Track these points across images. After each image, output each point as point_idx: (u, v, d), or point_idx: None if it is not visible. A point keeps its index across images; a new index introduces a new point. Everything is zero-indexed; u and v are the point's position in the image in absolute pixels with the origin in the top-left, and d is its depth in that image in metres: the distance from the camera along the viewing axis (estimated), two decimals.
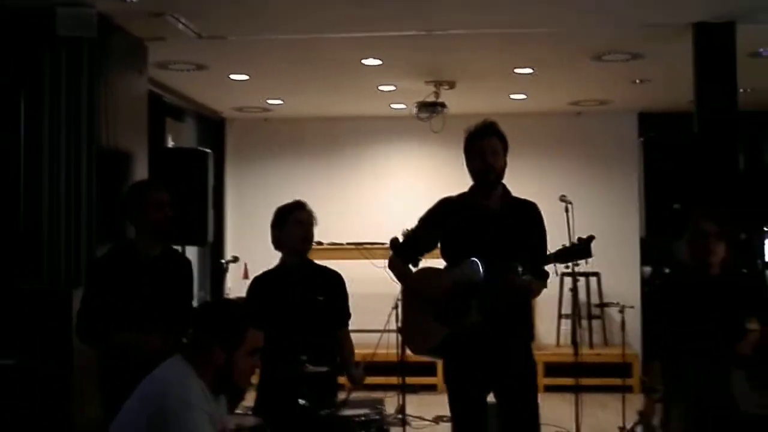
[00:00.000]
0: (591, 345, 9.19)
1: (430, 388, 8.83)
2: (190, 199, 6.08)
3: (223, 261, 7.19)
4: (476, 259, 4.04)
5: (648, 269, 9.20)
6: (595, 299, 9.27)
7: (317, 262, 4.68)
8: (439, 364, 8.66)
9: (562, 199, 5.67)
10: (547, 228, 4.30)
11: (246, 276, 7.56)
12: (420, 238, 4.40)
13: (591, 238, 3.99)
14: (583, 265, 4.25)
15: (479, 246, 4.13)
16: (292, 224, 4.51)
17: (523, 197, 4.36)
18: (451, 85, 7.98)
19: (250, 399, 4.41)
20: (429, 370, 8.72)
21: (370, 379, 4.57)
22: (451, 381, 4.31)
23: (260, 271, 4.68)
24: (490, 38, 6.49)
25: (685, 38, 6.11)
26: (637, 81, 8.02)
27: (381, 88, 8.32)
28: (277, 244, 4.57)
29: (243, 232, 9.89)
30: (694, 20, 5.99)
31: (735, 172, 6.05)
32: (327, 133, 10.09)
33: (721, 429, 4.05)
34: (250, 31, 6.29)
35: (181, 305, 4.33)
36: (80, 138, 5.35)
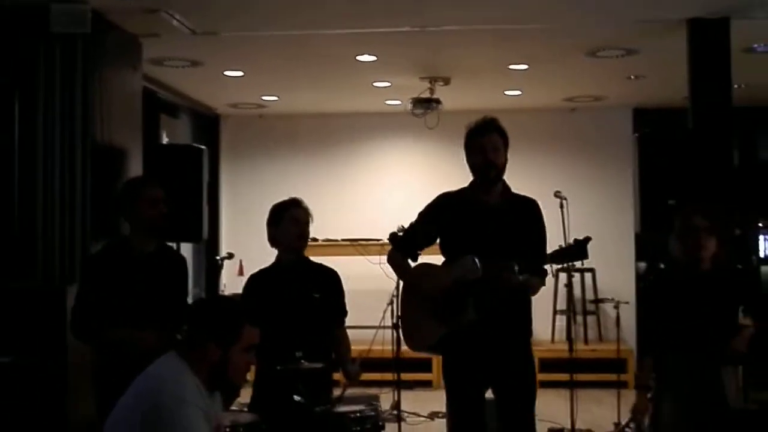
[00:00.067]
0: (586, 341, 9.21)
1: (426, 385, 8.85)
2: (185, 195, 6.07)
3: (218, 258, 7.16)
4: (474, 256, 4.03)
5: (643, 265, 9.21)
6: (590, 295, 9.27)
7: (312, 258, 4.69)
8: (435, 361, 8.77)
9: (557, 195, 5.67)
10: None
11: (241, 273, 7.56)
12: (419, 233, 4.40)
13: (587, 239, 3.99)
14: (578, 261, 4.25)
15: (478, 242, 4.13)
16: (288, 222, 4.51)
17: (523, 194, 4.36)
18: (446, 81, 7.97)
19: (246, 396, 4.42)
20: (424, 366, 8.74)
21: (366, 376, 4.58)
22: (450, 377, 4.31)
23: (256, 268, 4.68)
24: (484, 34, 6.49)
25: (680, 34, 6.11)
26: (632, 77, 8.02)
27: (376, 84, 8.31)
28: (273, 241, 4.57)
29: (238, 228, 9.89)
30: (688, 16, 5.98)
31: (729, 168, 6.05)
32: (322, 130, 10.08)
33: (711, 425, 4.05)
34: (245, 28, 6.28)
35: (175, 302, 4.32)
36: (74, 134, 5.33)
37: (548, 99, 9.10)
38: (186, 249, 7.37)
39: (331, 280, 4.63)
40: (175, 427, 2.72)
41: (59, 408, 5.04)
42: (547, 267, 4.20)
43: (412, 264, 4.44)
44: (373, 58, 7.20)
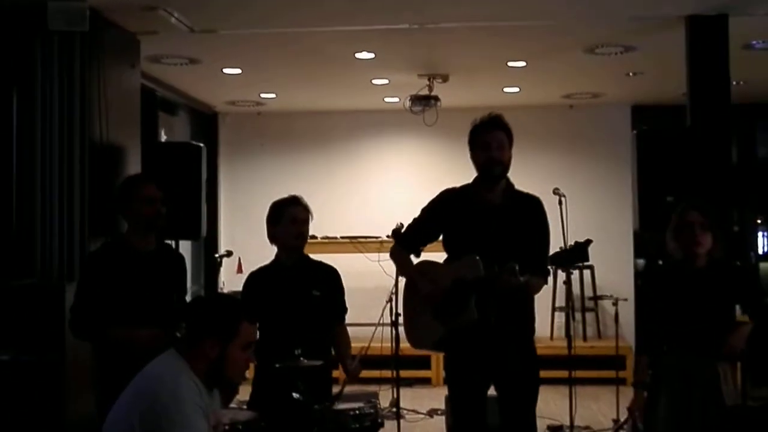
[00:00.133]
0: (585, 338, 9.21)
1: (425, 382, 8.85)
2: (183, 193, 6.08)
3: (216, 255, 7.18)
4: (476, 256, 4.02)
5: (642, 262, 9.22)
6: (588, 292, 9.27)
7: (312, 256, 4.68)
8: (434, 358, 8.77)
9: (556, 192, 5.66)
10: None
11: (240, 270, 7.56)
12: (422, 229, 4.39)
13: (588, 242, 3.99)
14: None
15: (481, 239, 4.11)
16: (287, 220, 4.50)
17: (526, 191, 4.35)
18: (445, 78, 7.97)
19: (245, 393, 4.42)
20: (423, 363, 8.74)
21: (365, 373, 4.57)
22: (452, 374, 4.30)
23: (254, 266, 4.68)
24: (482, 31, 6.49)
25: (678, 31, 6.11)
26: (630, 74, 8.02)
27: (374, 81, 8.31)
28: (273, 239, 4.57)
29: (236, 226, 9.88)
30: (686, 13, 5.98)
31: (728, 165, 6.06)
32: (320, 127, 10.07)
33: (706, 422, 4.05)
34: (243, 25, 6.27)
35: (174, 300, 4.32)
36: (73, 132, 5.33)
37: (547, 96, 9.10)
38: (184, 247, 7.38)
39: (330, 277, 4.63)
40: (174, 426, 2.72)
41: (57, 405, 5.05)
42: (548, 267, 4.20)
43: (415, 260, 4.43)
44: (372, 55, 7.20)
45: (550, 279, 8.47)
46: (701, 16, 5.95)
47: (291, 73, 7.94)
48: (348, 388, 4.31)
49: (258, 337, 3.82)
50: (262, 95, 9.08)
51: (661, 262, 4.42)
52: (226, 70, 7.78)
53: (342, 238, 9.01)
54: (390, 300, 6.80)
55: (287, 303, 4.42)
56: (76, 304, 4.20)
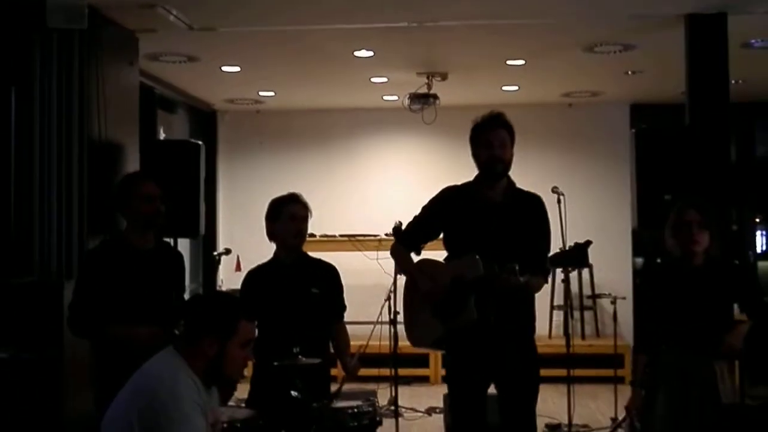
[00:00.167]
0: (583, 336, 9.21)
1: (423, 380, 8.86)
2: (182, 191, 6.07)
3: (215, 253, 7.16)
4: (476, 255, 4.02)
5: (640, 260, 9.22)
6: (587, 290, 9.28)
7: (310, 254, 4.68)
8: (433, 356, 8.77)
9: (554, 190, 5.67)
10: None
11: (238, 268, 7.55)
12: (422, 227, 4.38)
13: (587, 243, 3.99)
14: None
15: (481, 238, 4.11)
16: (285, 218, 4.50)
17: (527, 189, 4.34)
18: (444, 76, 7.97)
19: (244, 391, 4.42)
20: (422, 361, 8.75)
21: (363, 371, 4.58)
22: (452, 373, 4.30)
23: (253, 264, 4.68)
24: (481, 30, 6.48)
25: (677, 29, 6.10)
26: (629, 72, 8.02)
27: (373, 79, 8.30)
28: (271, 236, 4.57)
29: (235, 224, 9.88)
30: (685, 11, 5.98)
31: (727, 164, 6.06)
32: (319, 125, 10.06)
33: (702, 420, 4.05)
34: (242, 23, 6.27)
35: (173, 298, 4.32)
36: (71, 130, 5.33)
37: (545, 94, 9.10)
38: (183, 245, 7.38)
39: (329, 275, 4.63)
40: (172, 423, 2.72)
41: (56, 403, 5.05)
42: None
43: (416, 258, 4.42)
44: (371, 53, 7.20)
45: (549, 277, 8.51)
46: (700, 14, 5.95)
47: (290, 71, 7.93)
48: (346, 386, 4.31)
49: (256, 335, 3.82)
50: (261, 93, 9.08)
51: (659, 261, 4.41)
52: (225, 68, 7.77)
53: (341, 236, 9.02)
54: (389, 298, 6.82)
55: (286, 301, 4.42)
56: (75, 301, 4.20)
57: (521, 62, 7.59)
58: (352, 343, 4.70)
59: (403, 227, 4.51)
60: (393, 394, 6.70)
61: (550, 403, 7.16)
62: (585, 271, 9.22)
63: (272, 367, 4.01)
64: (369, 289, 7.54)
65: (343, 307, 4.66)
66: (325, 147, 10.09)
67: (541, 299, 4.34)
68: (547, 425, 6.82)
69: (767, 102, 9.22)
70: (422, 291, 4.24)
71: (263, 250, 4.68)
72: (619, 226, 8.89)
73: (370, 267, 8.16)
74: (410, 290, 4.39)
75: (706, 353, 4.05)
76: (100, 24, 5.57)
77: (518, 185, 4.34)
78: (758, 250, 9.48)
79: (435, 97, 8.07)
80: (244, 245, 7.73)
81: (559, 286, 7.92)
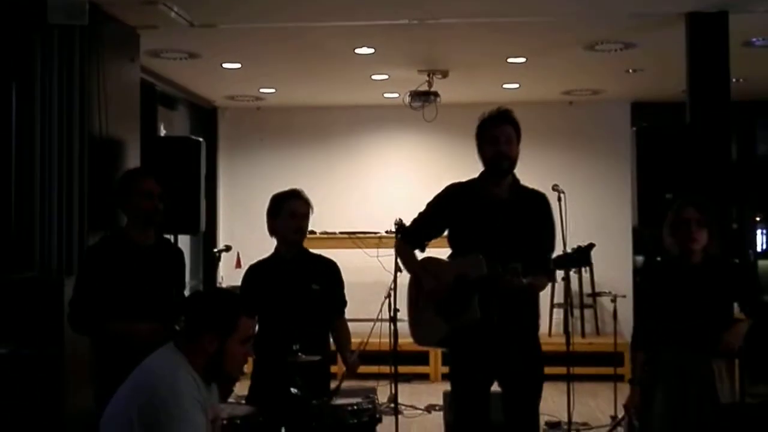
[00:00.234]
0: (583, 334, 9.21)
1: (423, 377, 8.87)
2: (182, 188, 6.06)
3: (215, 250, 7.16)
4: (480, 254, 4.00)
5: (640, 259, 9.22)
6: (587, 289, 9.27)
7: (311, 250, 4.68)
8: (433, 354, 8.77)
9: (555, 188, 5.67)
10: None
11: (239, 265, 7.55)
12: (427, 224, 4.37)
13: (591, 246, 3.97)
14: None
15: (486, 235, 4.09)
16: (286, 214, 4.50)
17: (532, 187, 4.33)
18: (444, 74, 7.96)
19: (244, 388, 4.42)
20: (421, 359, 8.75)
21: (363, 368, 4.57)
22: (455, 371, 4.29)
23: (253, 261, 4.67)
24: (482, 27, 6.48)
25: (678, 28, 6.10)
26: (630, 71, 8.02)
27: (374, 77, 8.30)
28: (272, 232, 4.57)
29: (235, 221, 9.88)
30: (686, 10, 5.98)
31: (727, 162, 6.06)
32: (320, 122, 10.06)
33: (699, 419, 4.05)
34: (243, 20, 6.27)
35: (173, 294, 4.32)
36: (72, 126, 5.33)
37: (546, 92, 9.09)
38: (183, 241, 7.38)
39: (330, 270, 4.63)
40: (172, 420, 2.73)
41: (56, 399, 5.05)
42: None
43: (420, 255, 4.40)
44: (371, 50, 7.19)
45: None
46: (701, 13, 5.95)
47: (291, 68, 7.93)
48: (346, 384, 4.31)
49: (257, 330, 3.82)
50: (262, 90, 9.08)
51: (659, 259, 4.41)
52: (226, 65, 7.77)
53: (341, 233, 9.01)
54: (389, 296, 6.82)
55: (286, 297, 4.42)
56: (75, 297, 4.20)
57: (522, 60, 7.59)
58: (352, 340, 4.70)
59: (407, 224, 4.50)
60: (393, 391, 6.70)
61: (550, 401, 7.15)
62: (585, 269, 9.20)
63: (272, 364, 4.01)
64: (369, 286, 7.54)
65: (344, 303, 4.66)
66: (325, 144, 10.09)
67: (541, 297, 4.34)
68: (546, 423, 6.82)
69: None
70: (426, 289, 4.23)
71: (263, 247, 4.68)
72: (619, 225, 8.90)
73: (371, 264, 8.17)
74: (414, 288, 4.38)
75: (704, 351, 4.05)
76: (101, 20, 5.56)
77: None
78: (759, 248, 9.48)
79: (436, 94, 8.07)
80: (244, 242, 7.73)
81: (560, 284, 7.91)
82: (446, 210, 4.30)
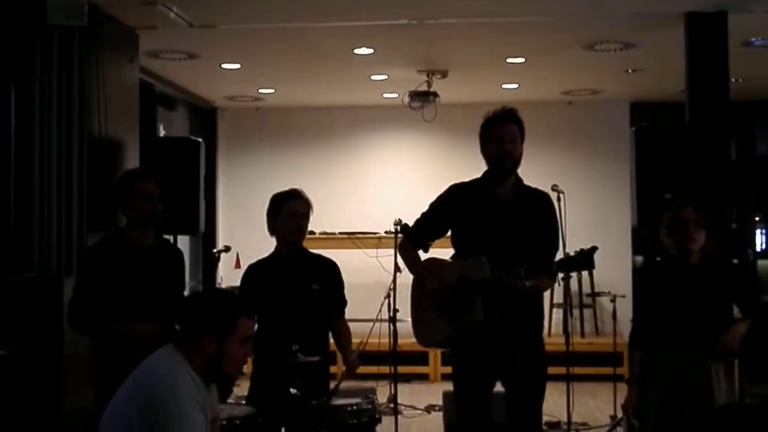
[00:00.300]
0: (582, 334, 9.22)
1: (422, 378, 8.87)
2: (182, 188, 6.06)
3: (215, 251, 7.16)
4: (483, 256, 4.00)
5: (640, 259, 9.22)
6: (586, 289, 9.27)
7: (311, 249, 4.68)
8: (432, 354, 8.77)
9: (554, 188, 5.64)
10: None
11: (238, 266, 7.56)
12: (430, 225, 4.35)
13: (594, 249, 3.96)
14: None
15: (489, 235, 4.08)
16: (286, 214, 4.50)
17: (535, 186, 4.31)
18: (444, 74, 7.97)
19: (244, 388, 4.42)
20: (421, 359, 8.75)
21: (362, 369, 4.57)
22: (458, 373, 4.28)
23: (253, 261, 4.67)
24: (482, 27, 6.48)
25: (677, 28, 6.10)
26: (629, 70, 8.02)
27: (373, 77, 8.30)
28: (272, 231, 4.57)
29: (235, 221, 9.88)
30: (686, 10, 5.98)
31: (727, 162, 6.06)
32: (319, 123, 10.06)
33: (695, 420, 4.04)
34: (242, 20, 6.27)
35: (173, 295, 4.32)
36: (71, 127, 5.32)
37: (546, 92, 9.10)
38: (183, 242, 7.38)
39: (330, 270, 4.62)
40: (172, 420, 2.72)
41: (56, 399, 5.05)
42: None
43: (423, 255, 4.39)
44: (371, 51, 7.19)
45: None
46: (700, 13, 5.95)
47: (290, 68, 7.93)
48: (346, 384, 4.31)
49: (256, 330, 3.82)
50: (261, 90, 9.08)
51: (659, 259, 4.41)
52: (225, 66, 7.77)
53: (340, 233, 9.01)
54: (388, 296, 6.82)
55: (286, 297, 4.42)
56: (75, 297, 4.20)
57: (521, 60, 7.59)
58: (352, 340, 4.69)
59: (410, 225, 4.48)
60: (392, 391, 6.70)
61: (549, 401, 7.07)
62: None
63: (272, 364, 4.00)
64: (368, 286, 7.54)
65: (344, 303, 4.66)
66: (324, 144, 10.09)
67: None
68: (546, 423, 6.80)
69: (767, 101, 9.22)
70: (429, 290, 4.22)
71: (263, 247, 4.68)
72: (618, 225, 8.90)
73: (370, 265, 8.17)
74: (418, 289, 4.36)
75: (702, 351, 4.04)
76: (100, 21, 5.56)
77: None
78: (758, 248, 9.48)
79: (435, 94, 8.07)
80: (243, 242, 7.72)
81: (559, 285, 7.92)
82: (449, 210, 4.28)
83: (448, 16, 6.13)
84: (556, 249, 4.25)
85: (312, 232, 5.64)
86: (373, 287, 7.57)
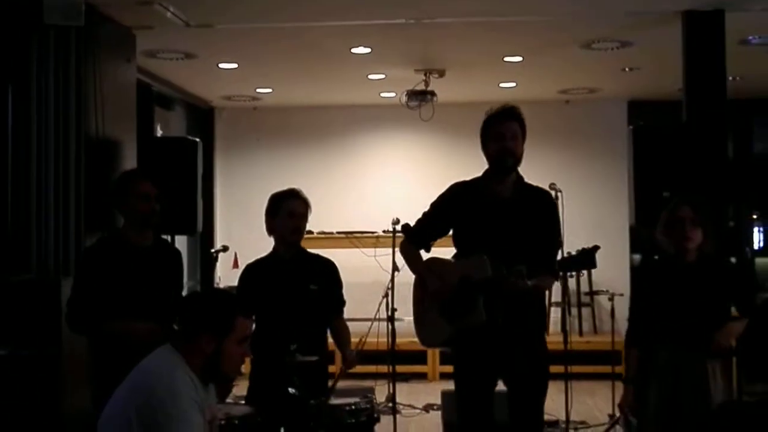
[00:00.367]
0: (581, 333, 9.22)
1: (421, 377, 8.86)
2: (179, 188, 6.06)
3: (212, 250, 7.16)
4: (485, 256, 4.00)
5: (638, 257, 9.22)
6: (584, 287, 9.28)
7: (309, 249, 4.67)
8: (431, 353, 8.77)
9: (552, 187, 5.63)
10: None
11: (236, 265, 7.56)
12: (431, 224, 4.34)
13: (596, 248, 3.96)
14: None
15: (491, 234, 4.07)
16: (284, 214, 4.49)
17: (536, 184, 4.31)
18: (441, 73, 7.97)
19: (243, 388, 4.42)
20: (419, 358, 8.75)
21: (361, 368, 4.57)
22: (459, 372, 4.28)
23: (251, 260, 4.67)
24: (479, 26, 6.49)
25: (674, 26, 6.11)
26: (626, 69, 8.02)
27: (370, 76, 8.30)
28: (270, 231, 4.56)
29: (232, 221, 9.88)
30: (683, 8, 5.99)
31: (724, 160, 6.06)
32: (316, 122, 10.07)
33: (691, 418, 4.04)
34: (239, 20, 6.27)
35: (171, 295, 4.31)
36: (68, 127, 5.32)
37: (543, 91, 9.10)
38: (181, 242, 7.37)
39: (328, 270, 4.62)
40: (170, 420, 2.72)
41: (54, 399, 5.04)
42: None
43: (425, 255, 4.38)
44: (368, 50, 7.20)
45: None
46: (697, 11, 5.96)
47: (287, 68, 7.93)
48: (344, 383, 4.30)
49: (254, 330, 3.82)
50: (258, 90, 9.08)
51: (657, 257, 4.41)
52: (222, 65, 7.77)
53: (338, 233, 9.01)
54: (386, 295, 6.82)
55: (284, 297, 4.42)
56: (73, 297, 4.20)
57: (518, 59, 7.59)
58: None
59: (410, 225, 4.47)
60: (391, 390, 6.70)
61: (547, 399, 7.03)
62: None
63: (270, 364, 4.00)
64: (367, 286, 7.53)
65: (343, 303, 4.65)
66: (322, 144, 10.09)
67: None
68: (545, 422, 6.81)
69: (764, 99, 9.23)
70: (431, 290, 4.21)
71: (261, 247, 4.68)
72: (616, 223, 8.90)
73: (368, 264, 8.16)
74: (420, 289, 4.35)
75: (698, 350, 4.04)
76: (97, 21, 5.56)
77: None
78: (755, 246, 9.50)
79: (432, 94, 8.07)
80: (241, 242, 7.72)
81: (557, 283, 7.93)
82: (450, 210, 4.28)
83: (445, 15, 6.13)
84: (558, 247, 4.25)
85: (310, 232, 5.64)
86: (371, 286, 7.56)
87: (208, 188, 9.16)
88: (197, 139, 6.63)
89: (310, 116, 10.00)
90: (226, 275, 8.27)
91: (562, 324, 6.41)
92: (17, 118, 5.27)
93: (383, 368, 6.99)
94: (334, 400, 4.07)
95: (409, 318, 4.43)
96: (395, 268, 5.97)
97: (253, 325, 3.34)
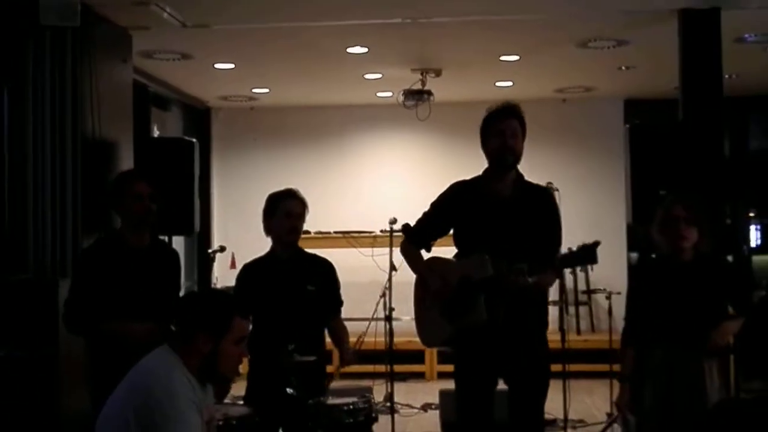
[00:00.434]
0: (578, 331, 9.23)
1: (419, 376, 8.87)
2: (176, 188, 6.05)
3: (210, 251, 7.16)
4: (486, 254, 4.00)
5: (635, 256, 9.23)
6: (582, 286, 9.29)
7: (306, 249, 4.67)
8: (428, 353, 8.77)
9: (549, 186, 5.67)
10: None
11: (233, 266, 7.55)
12: (431, 224, 4.34)
13: (596, 243, 3.96)
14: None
15: (491, 232, 4.07)
16: (281, 214, 4.49)
17: (536, 182, 4.31)
18: (438, 73, 7.97)
19: (241, 388, 4.42)
20: (417, 358, 8.75)
21: (359, 367, 4.57)
22: (460, 371, 4.27)
23: (248, 260, 4.67)
24: (475, 26, 6.49)
25: (671, 24, 6.11)
26: (623, 68, 8.03)
27: (367, 76, 8.30)
28: (268, 231, 4.57)
29: (229, 221, 9.88)
30: (679, 6, 5.99)
31: (720, 159, 6.07)
32: (313, 122, 10.06)
33: (687, 417, 4.04)
34: (236, 20, 6.26)
35: (168, 295, 4.31)
36: (65, 128, 5.32)
37: (539, 90, 9.10)
38: (178, 242, 7.36)
39: (325, 270, 4.62)
40: (168, 420, 2.72)
41: (51, 400, 5.04)
42: None
43: (426, 255, 4.38)
44: (365, 50, 7.19)
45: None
46: (693, 9, 5.96)
47: (284, 68, 7.93)
48: (342, 383, 4.31)
49: (251, 330, 3.82)
50: (255, 90, 9.07)
51: (653, 256, 4.41)
52: (219, 66, 7.77)
53: (335, 233, 9.01)
54: (384, 295, 6.82)
55: (281, 297, 4.42)
56: (70, 298, 4.20)
57: (515, 58, 7.60)
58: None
59: (410, 225, 4.46)
60: (389, 390, 6.71)
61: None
62: (580, 267, 9.22)
63: (268, 364, 4.00)
64: (364, 285, 7.54)
65: (340, 303, 4.65)
66: (319, 144, 10.09)
67: None
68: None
69: (760, 96, 9.23)
70: (432, 289, 4.21)
71: (258, 247, 4.68)
72: (613, 222, 8.89)
73: (365, 264, 8.17)
74: (421, 288, 4.34)
75: (694, 348, 4.04)
76: (93, 21, 5.56)
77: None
78: (752, 244, 9.50)
79: (429, 93, 8.07)
80: (238, 242, 7.73)
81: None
82: (450, 209, 4.27)
83: (441, 14, 6.14)
84: (559, 244, 4.24)
85: (307, 232, 5.64)
86: (369, 286, 7.57)
87: (204, 189, 9.15)
88: (194, 140, 6.62)
89: (306, 116, 10.00)
90: (224, 275, 8.27)
91: (560, 323, 6.41)
92: (13, 118, 5.27)
93: (381, 368, 6.99)
94: (332, 400, 4.07)
95: (407, 317, 4.44)
96: (392, 267, 5.96)
97: (251, 326, 3.34)
